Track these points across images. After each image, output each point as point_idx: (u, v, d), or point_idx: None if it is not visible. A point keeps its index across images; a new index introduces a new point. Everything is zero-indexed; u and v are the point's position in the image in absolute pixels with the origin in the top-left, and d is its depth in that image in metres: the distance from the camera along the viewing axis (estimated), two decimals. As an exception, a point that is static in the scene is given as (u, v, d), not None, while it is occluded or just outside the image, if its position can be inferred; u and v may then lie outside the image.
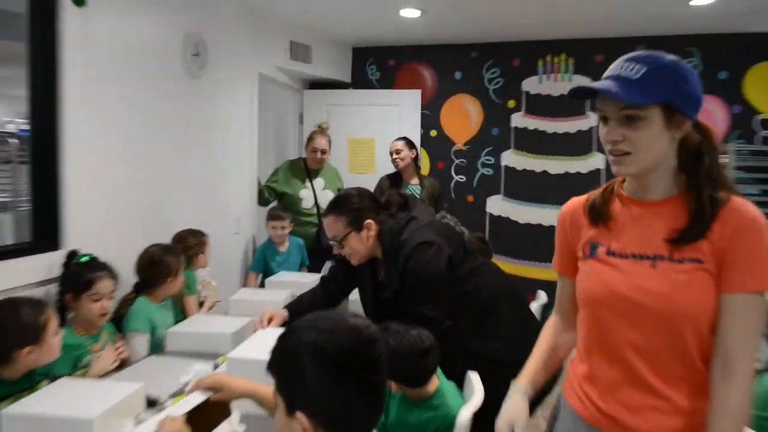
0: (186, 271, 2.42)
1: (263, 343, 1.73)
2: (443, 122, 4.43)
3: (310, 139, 3.61)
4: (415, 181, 3.72)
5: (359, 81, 4.54)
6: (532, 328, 1.93)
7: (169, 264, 2.20)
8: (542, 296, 2.95)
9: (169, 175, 2.76)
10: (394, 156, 3.64)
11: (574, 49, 4.20)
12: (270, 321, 2.06)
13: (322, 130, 3.72)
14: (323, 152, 3.58)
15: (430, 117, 4.43)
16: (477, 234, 3.04)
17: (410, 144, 3.70)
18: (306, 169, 3.60)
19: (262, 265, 3.25)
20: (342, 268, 2.08)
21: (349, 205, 1.85)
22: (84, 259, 1.90)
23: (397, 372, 1.48)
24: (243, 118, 3.52)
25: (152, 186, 2.64)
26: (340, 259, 2.00)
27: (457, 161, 4.42)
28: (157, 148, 2.67)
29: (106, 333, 1.97)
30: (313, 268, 3.38)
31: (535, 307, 2.74)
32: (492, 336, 1.78)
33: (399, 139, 3.73)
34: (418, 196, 3.61)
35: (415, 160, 3.70)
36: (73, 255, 1.92)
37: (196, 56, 2.91)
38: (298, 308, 2.11)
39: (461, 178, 4.41)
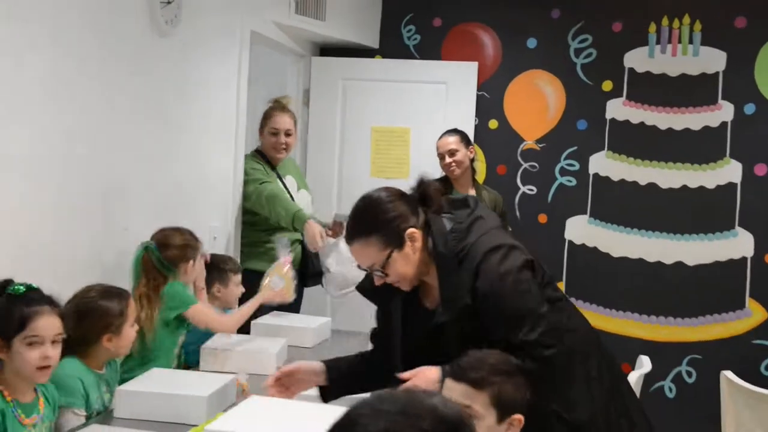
0: (171, 284, 2.57)
1: (255, 414, 1.74)
2: (508, 109, 4.45)
3: (266, 116, 3.61)
4: (471, 191, 3.77)
5: (391, 47, 4.56)
6: (634, 406, 1.95)
7: (106, 313, 2.19)
8: (645, 363, 2.92)
9: (124, 168, 2.77)
10: (448, 159, 3.68)
11: (702, 7, 4.17)
12: (291, 377, 2.12)
13: (281, 105, 3.71)
14: (288, 134, 3.60)
15: (489, 101, 4.46)
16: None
17: (467, 140, 3.76)
18: (269, 164, 3.63)
19: None
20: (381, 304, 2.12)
21: (380, 215, 1.89)
22: (19, 289, 1.91)
23: None
24: (227, 95, 3.55)
25: (100, 180, 2.66)
26: (370, 290, 2.02)
27: (525, 165, 4.44)
28: (107, 130, 2.69)
29: (42, 401, 1.97)
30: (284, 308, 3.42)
31: (633, 377, 2.71)
32: (577, 398, 1.83)
33: (451, 132, 3.76)
34: None
35: (472, 162, 3.75)
36: (4, 285, 1.94)
37: (167, 4, 2.95)
38: (338, 364, 2.17)
39: (530, 190, 4.43)
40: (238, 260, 3.64)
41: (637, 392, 2.78)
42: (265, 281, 2.95)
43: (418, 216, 1.91)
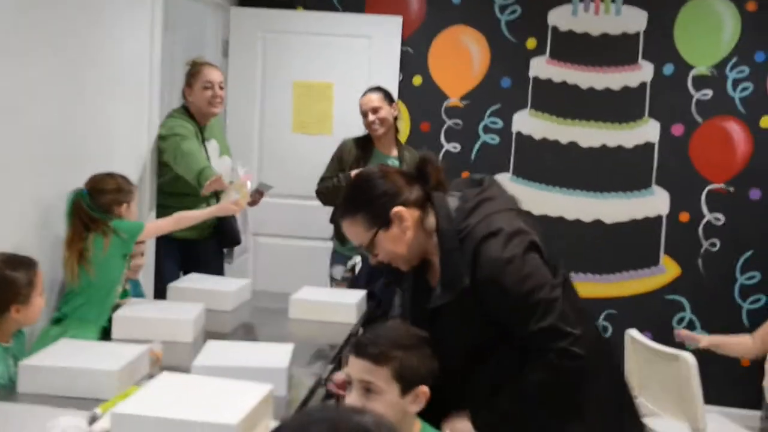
0: (115, 222, 2.69)
1: (167, 392, 1.67)
2: (432, 65, 4.43)
3: (195, 73, 3.52)
4: (393, 152, 3.74)
5: None
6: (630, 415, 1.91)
7: (12, 283, 2.12)
8: None
9: (8, 133, 2.58)
10: (371, 117, 3.63)
11: (623, -32, 4.27)
12: None
13: (206, 61, 3.64)
14: (221, 87, 3.55)
15: (413, 57, 4.43)
16: None
17: (390, 98, 3.73)
18: (196, 123, 3.55)
19: None
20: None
21: (366, 192, 1.84)
22: None
23: None
24: (138, 47, 3.40)
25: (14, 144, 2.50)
26: (386, 268, 1.94)
27: (449, 122, 4.44)
28: (15, 95, 2.52)
29: None
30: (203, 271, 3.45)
31: None
32: (578, 418, 1.77)
33: (374, 90, 3.71)
34: None
35: (395, 121, 3.73)
36: None
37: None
38: None
39: (454, 147, 4.44)
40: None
41: None
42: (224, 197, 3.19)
43: (412, 194, 1.83)
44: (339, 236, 3.71)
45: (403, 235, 1.80)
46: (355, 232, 1.84)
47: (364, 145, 3.71)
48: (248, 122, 4.45)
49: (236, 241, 3.66)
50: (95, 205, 2.68)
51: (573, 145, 4.34)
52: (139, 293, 3.11)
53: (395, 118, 3.72)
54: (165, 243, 3.51)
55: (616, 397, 1.86)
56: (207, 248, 3.67)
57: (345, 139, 3.76)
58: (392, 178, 1.83)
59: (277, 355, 2.25)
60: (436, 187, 1.84)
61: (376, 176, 1.85)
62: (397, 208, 1.79)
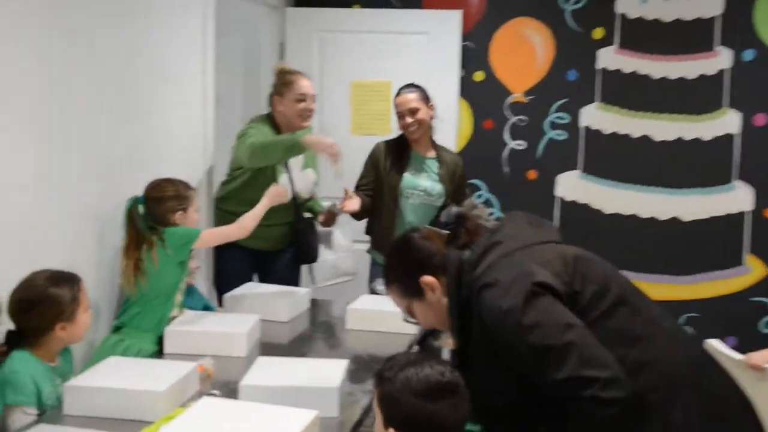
0: (167, 230, 2.63)
1: (209, 417, 1.58)
2: (494, 60, 4.31)
3: (288, 83, 3.37)
4: (431, 153, 3.55)
5: None
6: None
7: (56, 300, 2.06)
8: None
9: (64, 143, 2.55)
10: (408, 119, 3.42)
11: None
12: None
13: (296, 70, 3.49)
14: (313, 99, 3.40)
15: (474, 52, 4.31)
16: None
17: (427, 97, 3.49)
18: (278, 133, 3.40)
19: None
20: None
21: (402, 263, 1.86)
22: None
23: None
24: (190, 52, 3.36)
25: (32, 160, 2.43)
26: None
27: (513, 119, 4.30)
28: (42, 101, 2.47)
29: None
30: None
31: None
32: None
33: (410, 88, 3.48)
34: (434, 175, 3.48)
35: (431, 120, 3.51)
36: None
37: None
38: None
39: (519, 145, 4.29)
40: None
41: None
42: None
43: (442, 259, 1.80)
44: (377, 246, 3.53)
45: (438, 302, 1.78)
46: (395, 300, 1.87)
47: (400, 148, 3.50)
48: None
49: (312, 258, 3.48)
50: (152, 213, 2.65)
51: (645, 140, 4.16)
52: (195, 301, 3.03)
53: (431, 118, 3.51)
54: (233, 251, 3.33)
55: (705, 422, 1.55)
56: (282, 260, 3.51)
57: (378, 143, 3.55)
58: (427, 245, 1.83)
59: (329, 373, 2.14)
60: (468, 243, 1.80)
61: (414, 245, 1.85)
62: (427, 278, 1.77)
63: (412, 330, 2.88)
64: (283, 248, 3.46)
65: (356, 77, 4.33)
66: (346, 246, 3.58)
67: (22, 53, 2.32)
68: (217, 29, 4.54)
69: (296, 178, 3.41)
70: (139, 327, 2.60)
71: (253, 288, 3.19)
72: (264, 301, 3.00)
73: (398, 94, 3.48)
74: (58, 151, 2.49)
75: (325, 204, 3.57)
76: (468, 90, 4.30)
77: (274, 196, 2.96)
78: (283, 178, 3.35)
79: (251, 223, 2.84)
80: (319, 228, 3.51)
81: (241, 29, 4.49)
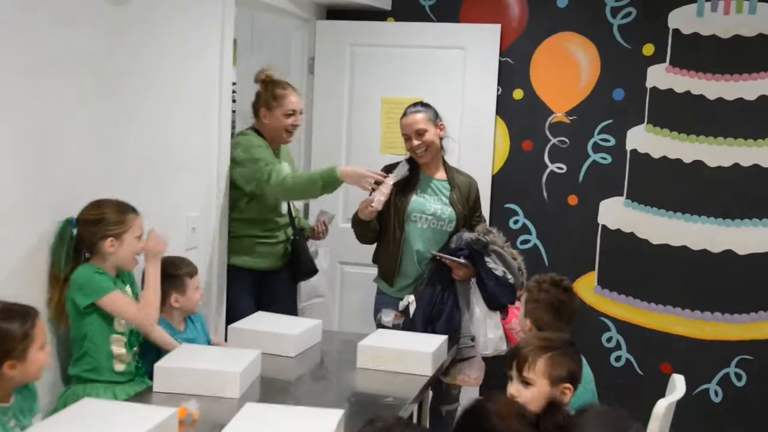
0: (82, 266, 2.36)
1: None
2: (535, 78, 4.13)
3: (279, 96, 3.39)
4: (441, 174, 3.39)
5: (404, 9, 4.29)
6: None
7: (6, 337, 1.91)
8: (678, 385, 2.54)
9: (79, 157, 2.48)
10: (415, 141, 3.29)
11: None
12: None
13: (288, 83, 3.49)
14: (301, 112, 3.49)
15: (513, 68, 4.14)
16: (554, 276, 2.66)
17: (436, 115, 3.36)
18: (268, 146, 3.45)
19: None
20: None
21: None
22: None
23: None
24: (207, 67, 3.25)
25: (51, 171, 2.36)
26: None
27: (554, 140, 4.11)
28: (57, 115, 2.38)
29: None
30: (275, 308, 3.31)
31: (663, 406, 2.35)
32: None
33: (416, 108, 3.35)
34: (445, 198, 3.33)
35: (441, 141, 3.37)
36: None
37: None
38: None
39: (560, 168, 4.10)
40: (226, 253, 3.37)
41: (669, 418, 2.38)
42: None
43: None
44: (385, 275, 3.37)
45: None
46: None
47: (409, 169, 3.33)
48: (335, 142, 4.26)
49: (311, 271, 3.51)
50: (83, 238, 2.37)
51: (698, 165, 3.91)
52: (194, 334, 2.85)
53: (441, 139, 3.35)
54: (237, 274, 3.39)
55: None
56: (280, 281, 3.50)
57: (385, 165, 3.41)
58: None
59: (320, 426, 1.93)
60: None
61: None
62: None
63: (425, 371, 2.67)
64: (281, 266, 3.47)
65: (387, 93, 4.19)
66: (326, 269, 3.69)
67: (27, 66, 2.22)
68: (245, 44, 4.52)
69: None
70: (87, 377, 2.35)
71: (260, 319, 3.03)
72: (271, 335, 2.83)
73: (404, 114, 3.36)
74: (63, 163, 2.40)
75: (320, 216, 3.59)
76: (505, 109, 4.13)
77: (153, 250, 2.49)
78: None
79: (155, 303, 2.44)
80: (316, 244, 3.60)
81: (270, 43, 4.44)
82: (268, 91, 3.43)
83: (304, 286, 3.59)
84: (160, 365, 2.39)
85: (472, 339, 3.25)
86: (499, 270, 3.23)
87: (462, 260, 3.19)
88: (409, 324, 3.23)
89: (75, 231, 2.38)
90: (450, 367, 3.14)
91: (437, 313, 3.21)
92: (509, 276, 3.24)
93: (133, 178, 2.77)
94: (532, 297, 2.57)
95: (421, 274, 3.27)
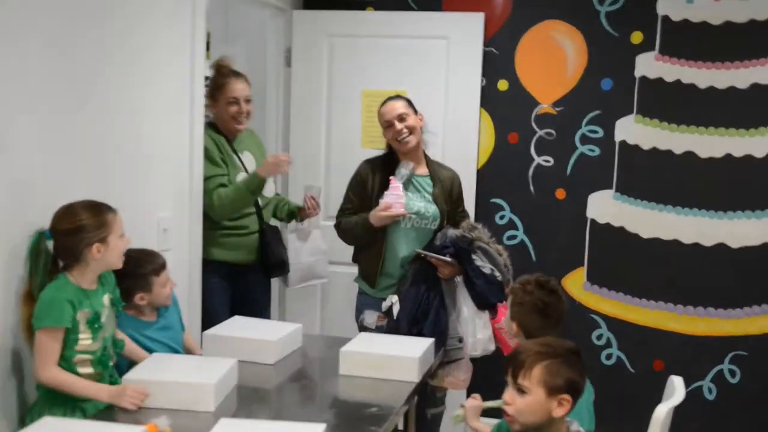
0: (49, 287, 2.21)
1: None
2: (520, 68, 4.04)
3: (220, 85, 3.39)
4: (423, 170, 3.31)
5: None
6: None
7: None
8: (677, 388, 2.45)
9: (40, 160, 2.36)
10: (398, 125, 3.21)
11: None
12: None
13: (232, 70, 3.45)
14: (248, 101, 3.43)
15: (498, 59, 4.05)
16: (540, 276, 2.57)
17: (414, 107, 3.30)
18: (225, 138, 3.43)
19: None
20: None
21: None
22: None
23: None
24: (179, 63, 3.12)
25: (10, 176, 2.24)
26: None
27: (541, 133, 4.03)
28: (16, 116, 2.25)
29: None
30: (249, 306, 3.35)
31: (662, 412, 2.27)
32: None
33: (394, 98, 3.30)
34: (427, 194, 3.25)
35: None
36: None
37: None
38: None
39: (546, 161, 4.02)
40: (200, 255, 3.25)
41: (668, 423, 2.28)
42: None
43: None
44: (366, 276, 3.27)
45: None
46: None
47: (388, 166, 3.24)
48: (313, 137, 4.15)
49: (280, 270, 3.48)
50: (64, 250, 2.23)
51: (690, 156, 3.83)
52: (168, 321, 2.72)
53: (421, 129, 3.29)
54: (207, 268, 3.31)
55: None
56: (254, 278, 3.47)
57: (362, 162, 3.35)
58: None
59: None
60: None
61: None
62: None
63: (411, 378, 2.55)
64: (255, 259, 3.44)
65: (368, 86, 4.08)
66: (323, 249, 3.64)
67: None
68: (218, 36, 4.40)
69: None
70: (53, 394, 2.20)
71: (237, 325, 2.89)
72: (248, 342, 2.70)
73: (382, 104, 3.29)
74: (17, 170, 2.24)
75: (306, 192, 3.53)
76: (490, 100, 4.04)
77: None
78: (239, 178, 3.34)
79: (61, 384, 2.19)
80: (299, 226, 3.54)
81: (244, 35, 4.34)
82: (212, 81, 3.43)
83: (296, 268, 3.52)
84: (128, 378, 2.25)
85: (460, 340, 3.15)
86: (486, 268, 3.14)
87: (448, 258, 3.09)
88: (393, 325, 3.13)
89: (50, 243, 2.23)
90: (437, 369, 3.04)
91: (423, 313, 3.11)
92: (497, 273, 3.14)
93: (101, 179, 2.64)
94: (516, 299, 2.48)
95: (405, 274, 3.16)
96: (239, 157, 3.40)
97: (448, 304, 3.17)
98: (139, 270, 2.52)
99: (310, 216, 3.51)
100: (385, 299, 3.18)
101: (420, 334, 3.02)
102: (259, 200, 3.44)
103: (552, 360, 1.82)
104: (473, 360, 3.20)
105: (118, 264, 2.33)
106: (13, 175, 2.25)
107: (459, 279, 3.17)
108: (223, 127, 3.40)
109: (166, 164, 3.05)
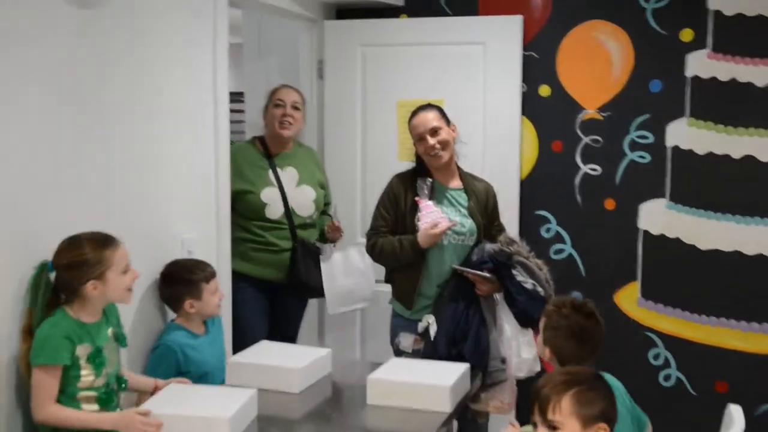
0: (47, 322, 2.14)
1: None
2: (562, 72, 3.95)
3: (271, 94, 3.54)
4: (456, 183, 3.20)
5: (418, 4, 4.15)
6: None
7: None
8: (736, 418, 2.26)
9: (53, 180, 2.33)
10: (431, 140, 3.09)
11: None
12: None
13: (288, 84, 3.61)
14: (295, 107, 3.48)
15: (538, 63, 3.97)
16: (585, 300, 2.47)
17: (446, 117, 3.18)
18: (266, 152, 3.49)
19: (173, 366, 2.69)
20: None
21: None
22: None
23: None
24: (199, 75, 3.08)
25: (19, 200, 2.20)
26: None
27: (586, 139, 3.91)
28: (23, 133, 2.21)
29: None
30: (281, 325, 3.41)
31: None
32: None
33: (426, 108, 3.18)
34: (462, 209, 3.14)
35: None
36: None
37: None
38: None
39: (594, 170, 3.90)
40: (230, 275, 3.28)
41: None
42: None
43: None
44: (401, 297, 3.15)
45: None
46: None
47: (414, 178, 3.15)
48: (348, 151, 4.11)
49: (313, 293, 3.49)
50: (63, 284, 2.17)
51: (749, 161, 3.65)
52: (214, 336, 2.81)
53: (454, 141, 3.19)
54: (237, 282, 3.31)
55: None
56: (286, 297, 3.48)
57: (394, 177, 3.24)
58: None
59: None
60: None
61: None
62: None
63: (443, 408, 2.41)
64: (285, 277, 3.44)
65: (403, 96, 4.01)
66: (363, 269, 3.50)
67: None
68: (251, 49, 4.40)
69: (290, 195, 3.40)
70: None
71: (263, 350, 2.80)
72: (272, 370, 2.60)
73: (413, 115, 3.18)
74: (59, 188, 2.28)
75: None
76: (532, 107, 3.95)
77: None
78: (266, 192, 3.35)
79: (61, 421, 2.14)
80: (333, 247, 3.49)
81: (277, 49, 4.35)
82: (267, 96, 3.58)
83: (334, 291, 3.45)
84: (141, 410, 2.16)
85: (503, 361, 3.02)
86: (528, 283, 3.00)
87: (487, 274, 2.96)
88: (430, 348, 3.00)
89: (52, 276, 2.18)
90: (480, 393, 2.91)
91: (462, 333, 2.98)
92: (539, 288, 3.00)
93: (120, 201, 2.61)
94: (551, 323, 2.34)
95: (441, 294, 3.03)
96: (276, 172, 3.39)
97: (489, 323, 3.05)
98: (190, 276, 2.64)
99: (335, 240, 3.50)
100: (420, 320, 3.06)
101: (460, 355, 2.90)
102: (293, 218, 3.39)
103: (578, 388, 1.71)
104: (518, 382, 3.07)
105: (124, 299, 2.28)
106: (28, 200, 2.22)
107: (499, 296, 3.06)
108: (268, 136, 3.48)
109: (187, 183, 3.01)
